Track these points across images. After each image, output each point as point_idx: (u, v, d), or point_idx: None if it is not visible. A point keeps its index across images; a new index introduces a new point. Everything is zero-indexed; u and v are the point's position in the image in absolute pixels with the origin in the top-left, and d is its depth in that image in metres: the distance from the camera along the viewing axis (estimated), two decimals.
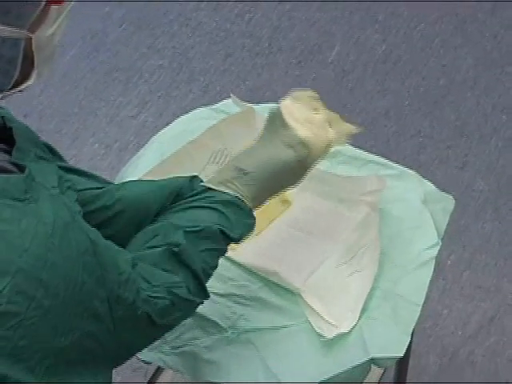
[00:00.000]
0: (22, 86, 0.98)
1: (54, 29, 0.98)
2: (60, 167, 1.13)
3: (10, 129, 1.04)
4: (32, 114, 2.77)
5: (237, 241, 1.16)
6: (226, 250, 1.16)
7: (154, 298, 1.04)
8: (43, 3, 0.94)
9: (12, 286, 0.84)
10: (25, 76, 0.98)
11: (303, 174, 1.23)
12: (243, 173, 1.17)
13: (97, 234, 0.98)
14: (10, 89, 0.97)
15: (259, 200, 1.20)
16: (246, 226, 1.17)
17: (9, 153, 1.00)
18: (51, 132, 2.75)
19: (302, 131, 1.22)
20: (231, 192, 1.16)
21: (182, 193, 1.19)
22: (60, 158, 1.19)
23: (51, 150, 1.15)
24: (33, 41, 0.95)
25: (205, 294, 1.13)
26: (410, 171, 1.53)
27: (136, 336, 1.04)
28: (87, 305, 0.92)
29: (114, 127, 2.79)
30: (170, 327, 1.12)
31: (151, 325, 1.04)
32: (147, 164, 1.52)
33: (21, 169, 0.97)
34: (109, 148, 2.72)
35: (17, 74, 0.96)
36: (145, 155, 1.56)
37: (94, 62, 3.01)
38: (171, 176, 1.46)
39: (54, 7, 0.96)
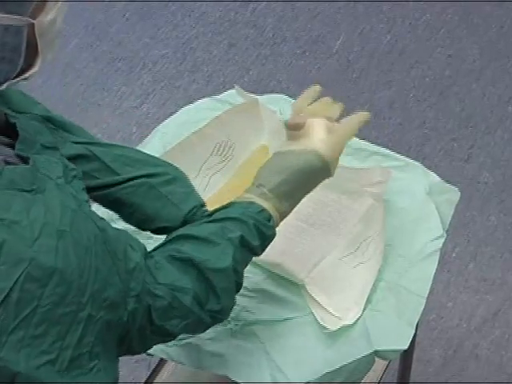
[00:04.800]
0: (28, 74, 0.99)
1: (55, 12, 0.98)
2: (80, 142, 1.18)
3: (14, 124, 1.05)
4: None
5: (259, 250, 1.16)
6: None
7: (154, 295, 1.03)
8: None
9: (26, 275, 0.86)
10: (30, 63, 0.98)
11: (327, 174, 1.24)
12: (267, 189, 1.18)
13: (105, 222, 0.98)
14: (16, 77, 0.98)
15: (288, 211, 1.21)
16: (267, 238, 1.17)
17: (13, 147, 1.01)
18: None
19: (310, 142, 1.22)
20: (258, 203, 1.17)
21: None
22: (78, 133, 1.21)
23: (65, 127, 1.19)
24: (35, 27, 0.96)
25: (222, 314, 1.12)
26: (415, 163, 1.53)
27: (139, 334, 1.02)
28: (104, 293, 0.93)
29: (117, 118, 2.80)
30: (169, 334, 1.08)
31: (150, 323, 1.03)
32: None
33: (25, 161, 0.98)
34: (111, 139, 2.72)
35: (21, 61, 0.97)
36: (148, 146, 1.56)
37: (96, 51, 3.01)
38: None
39: None
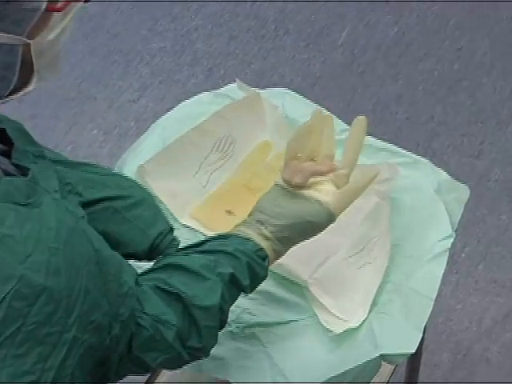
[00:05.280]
0: (21, 93, 0.98)
1: (56, 33, 0.98)
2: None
3: (3, 130, 1.05)
4: (27, 99, 2.74)
5: (248, 290, 1.15)
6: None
7: (138, 324, 1.03)
8: (42, 10, 0.93)
9: (14, 292, 0.86)
10: (25, 81, 0.98)
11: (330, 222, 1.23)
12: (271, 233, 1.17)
13: (101, 242, 0.98)
14: (9, 94, 0.97)
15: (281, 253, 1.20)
16: (259, 278, 1.17)
17: (6, 155, 1.01)
18: (47, 118, 2.75)
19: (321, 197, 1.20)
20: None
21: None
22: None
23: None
24: (31, 46, 0.95)
25: (202, 353, 1.11)
26: (423, 159, 1.53)
27: (118, 361, 1.02)
28: (91, 316, 0.93)
29: (114, 112, 2.79)
30: (145, 366, 1.07)
31: (128, 351, 1.03)
32: (149, 151, 1.52)
33: (22, 170, 0.98)
34: (108, 134, 2.72)
35: (15, 79, 0.96)
36: (146, 141, 1.56)
37: (92, 44, 3.01)
38: (174, 163, 1.48)
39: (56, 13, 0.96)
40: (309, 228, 1.19)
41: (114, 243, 1.18)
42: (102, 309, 0.95)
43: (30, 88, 0.99)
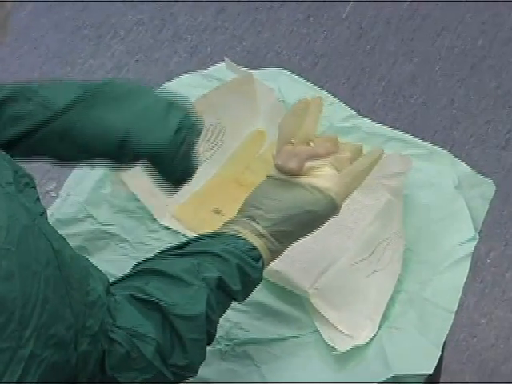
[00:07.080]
0: None
1: None
2: None
3: None
4: None
5: (239, 296, 1.15)
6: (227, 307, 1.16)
7: (110, 339, 1.03)
8: None
9: None
10: None
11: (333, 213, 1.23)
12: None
13: (63, 242, 0.98)
14: None
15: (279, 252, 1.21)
16: (252, 282, 1.17)
17: None
18: None
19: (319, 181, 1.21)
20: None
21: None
22: None
23: None
24: None
25: (187, 371, 1.10)
26: (442, 150, 1.53)
27: (88, 382, 1.02)
28: (51, 329, 0.92)
29: None
30: None
31: (101, 371, 1.02)
32: None
33: None
34: None
35: None
36: None
37: (57, 17, 3.01)
38: None
39: None
40: (309, 219, 1.20)
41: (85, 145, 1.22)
42: (66, 321, 0.94)
43: None
